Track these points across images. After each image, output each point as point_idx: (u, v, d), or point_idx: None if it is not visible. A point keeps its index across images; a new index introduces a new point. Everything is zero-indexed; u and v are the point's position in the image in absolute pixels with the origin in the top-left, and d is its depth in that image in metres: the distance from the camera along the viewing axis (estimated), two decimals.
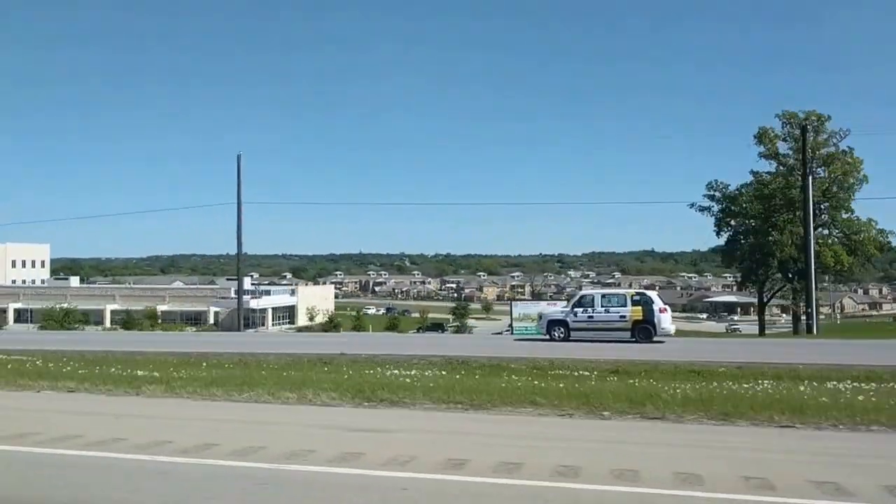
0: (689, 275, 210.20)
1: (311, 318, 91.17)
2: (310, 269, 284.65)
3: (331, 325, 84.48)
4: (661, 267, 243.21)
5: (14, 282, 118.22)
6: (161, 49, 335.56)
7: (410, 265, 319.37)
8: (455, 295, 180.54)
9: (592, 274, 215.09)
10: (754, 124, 67.74)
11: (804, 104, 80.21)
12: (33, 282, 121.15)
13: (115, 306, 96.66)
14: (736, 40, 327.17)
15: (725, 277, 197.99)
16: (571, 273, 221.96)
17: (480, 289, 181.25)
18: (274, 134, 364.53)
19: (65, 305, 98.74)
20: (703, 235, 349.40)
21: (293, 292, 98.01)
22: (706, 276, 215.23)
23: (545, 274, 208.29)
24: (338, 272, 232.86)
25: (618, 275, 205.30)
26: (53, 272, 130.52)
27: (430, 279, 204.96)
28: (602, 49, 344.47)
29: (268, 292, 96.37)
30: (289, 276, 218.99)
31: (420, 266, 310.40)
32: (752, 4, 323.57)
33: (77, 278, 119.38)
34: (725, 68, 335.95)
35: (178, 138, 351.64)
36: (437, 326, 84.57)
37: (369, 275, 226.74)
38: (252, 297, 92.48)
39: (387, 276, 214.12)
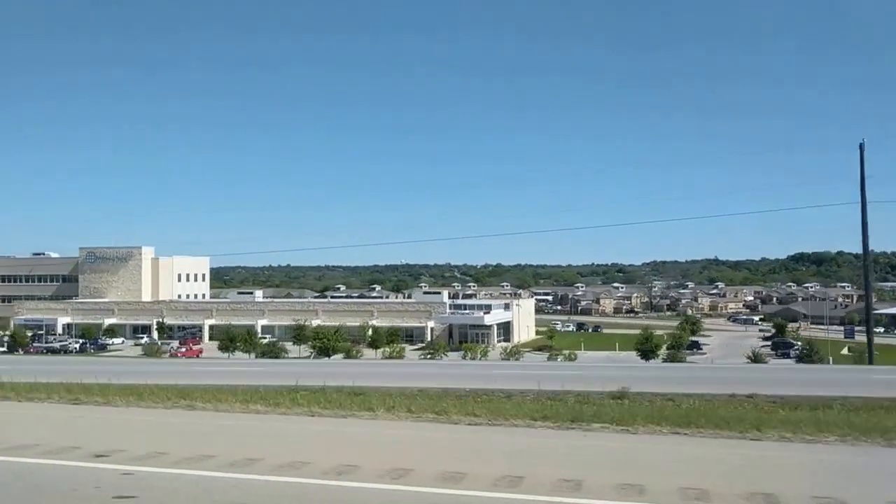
0: (788, 284, 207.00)
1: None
2: (355, 280, 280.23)
3: (549, 347, 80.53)
4: (737, 275, 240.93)
5: (179, 296, 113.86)
6: None
7: (461, 276, 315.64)
8: (567, 308, 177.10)
9: (691, 284, 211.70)
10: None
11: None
12: (194, 296, 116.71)
13: (319, 321, 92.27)
14: (809, 63, 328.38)
15: (813, 286, 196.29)
16: (657, 283, 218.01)
17: (597, 300, 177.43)
18: None
19: (265, 322, 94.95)
20: (767, 243, 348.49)
21: (507, 306, 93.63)
22: (789, 284, 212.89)
23: (650, 285, 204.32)
24: (422, 283, 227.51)
25: (721, 285, 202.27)
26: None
27: (520, 290, 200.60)
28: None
29: (488, 307, 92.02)
30: (378, 287, 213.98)
31: (472, 276, 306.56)
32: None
33: (260, 292, 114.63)
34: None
35: None
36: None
37: (454, 286, 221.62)
38: (484, 313, 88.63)
39: (475, 287, 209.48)
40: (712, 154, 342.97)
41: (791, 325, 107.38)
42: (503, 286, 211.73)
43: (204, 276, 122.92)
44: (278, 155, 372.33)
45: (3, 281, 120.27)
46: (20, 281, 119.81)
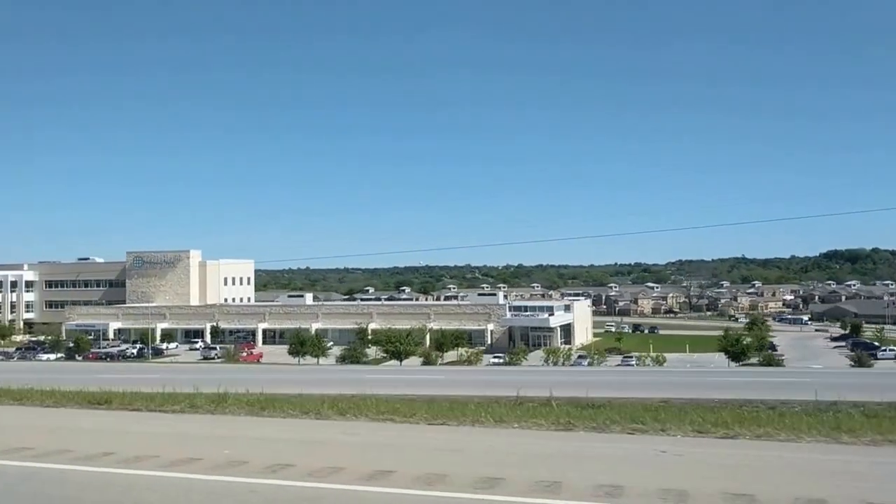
0: (825, 282, 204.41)
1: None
2: (376, 282, 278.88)
3: (618, 349, 78.96)
4: (770, 274, 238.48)
5: (226, 300, 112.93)
6: None
7: (482, 277, 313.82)
8: (605, 309, 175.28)
9: (726, 283, 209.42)
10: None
11: None
12: (241, 300, 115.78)
13: (375, 325, 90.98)
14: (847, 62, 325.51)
15: (853, 284, 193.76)
16: (691, 282, 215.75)
17: (635, 301, 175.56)
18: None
19: (319, 325, 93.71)
20: (796, 241, 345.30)
21: (567, 308, 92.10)
22: (828, 283, 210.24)
23: (688, 285, 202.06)
24: (450, 285, 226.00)
25: (758, 283, 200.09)
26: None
27: (549, 291, 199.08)
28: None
29: (550, 308, 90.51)
30: (407, 290, 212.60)
31: (494, 277, 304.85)
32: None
33: (310, 296, 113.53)
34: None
35: None
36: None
37: (483, 287, 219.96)
38: (549, 315, 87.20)
39: (506, 287, 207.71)
40: (742, 154, 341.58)
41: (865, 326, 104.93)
42: (534, 287, 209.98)
43: (249, 279, 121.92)
44: (293, 157, 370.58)
45: (49, 286, 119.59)
46: (65, 286, 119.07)
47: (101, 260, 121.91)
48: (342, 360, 65.25)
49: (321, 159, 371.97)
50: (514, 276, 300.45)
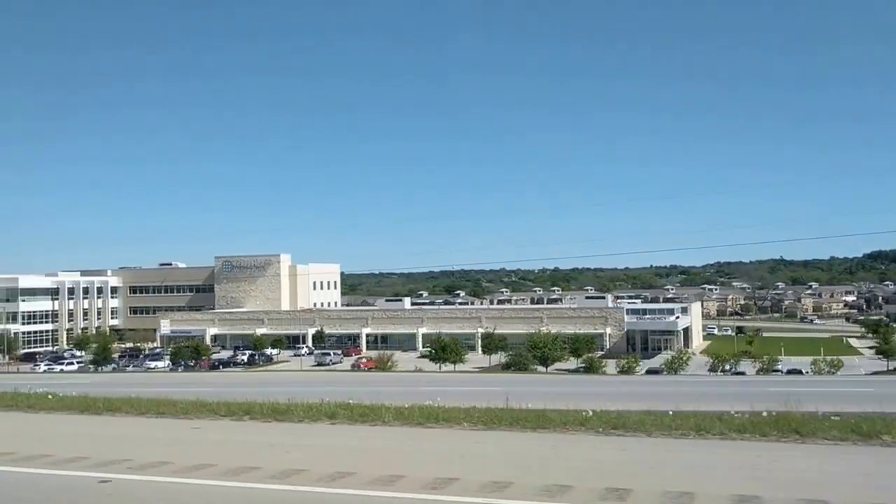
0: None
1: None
2: (405, 287, 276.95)
3: (749, 353, 76.17)
4: (821, 275, 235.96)
5: (315, 304, 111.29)
6: None
7: (520, 281, 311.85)
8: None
9: (781, 285, 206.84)
10: None
11: None
12: (328, 304, 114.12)
13: (482, 329, 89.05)
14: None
15: None
16: (739, 284, 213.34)
17: (702, 303, 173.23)
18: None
19: (424, 330, 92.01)
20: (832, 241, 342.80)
21: (685, 310, 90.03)
22: (887, 284, 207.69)
23: (754, 287, 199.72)
24: (503, 290, 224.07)
25: (815, 285, 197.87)
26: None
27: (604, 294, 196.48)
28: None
29: (671, 310, 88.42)
30: (462, 293, 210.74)
31: (532, 281, 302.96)
32: None
33: (408, 300, 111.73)
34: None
35: None
36: None
37: (536, 290, 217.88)
38: (676, 317, 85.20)
39: (560, 291, 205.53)
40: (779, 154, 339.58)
41: None
42: (587, 290, 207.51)
43: (335, 283, 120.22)
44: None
45: (133, 292, 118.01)
46: (149, 292, 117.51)
47: (183, 265, 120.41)
48: (506, 367, 62.43)
49: (349, 162, 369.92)
50: (553, 280, 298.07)
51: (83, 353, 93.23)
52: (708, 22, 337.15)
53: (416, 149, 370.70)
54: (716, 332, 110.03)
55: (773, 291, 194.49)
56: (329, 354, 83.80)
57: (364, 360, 77.74)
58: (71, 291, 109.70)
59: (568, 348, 69.48)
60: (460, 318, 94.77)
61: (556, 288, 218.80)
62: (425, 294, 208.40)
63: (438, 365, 69.87)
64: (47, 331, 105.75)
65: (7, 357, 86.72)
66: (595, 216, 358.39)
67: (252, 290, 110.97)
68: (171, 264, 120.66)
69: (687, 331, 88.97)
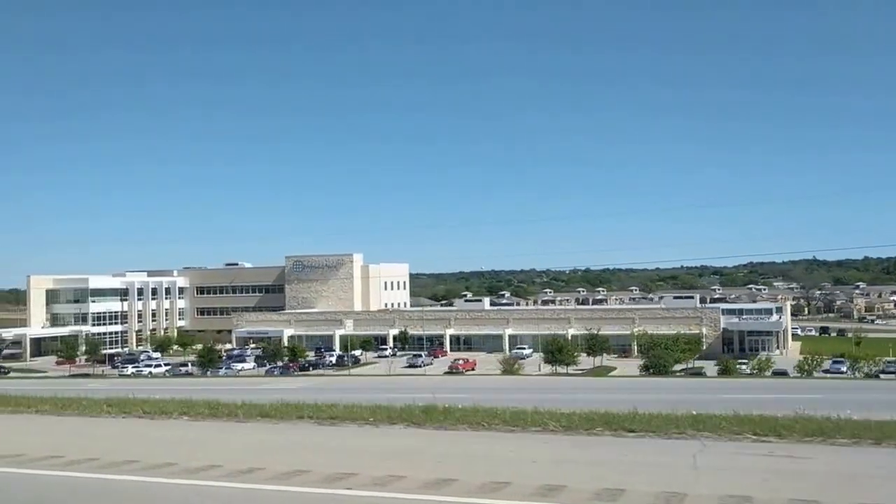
0: None
1: None
2: (438, 288, 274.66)
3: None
4: (863, 276, 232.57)
5: (387, 305, 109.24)
6: None
7: (552, 281, 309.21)
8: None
9: (827, 284, 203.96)
10: None
11: None
12: (398, 305, 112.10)
13: (573, 331, 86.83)
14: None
15: None
16: (778, 285, 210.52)
17: (754, 301, 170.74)
18: None
19: (510, 331, 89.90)
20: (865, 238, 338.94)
21: (780, 310, 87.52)
22: None
23: (805, 286, 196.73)
24: (547, 291, 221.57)
25: (862, 285, 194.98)
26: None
27: (650, 295, 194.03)
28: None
29: (769, 310, 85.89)
30: (507, 294, 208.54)
31: (563, 281, 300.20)
32: None
33: (488, 300, 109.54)
34: None
35: None
36: None
37: (579, 291, 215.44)
38: (779, 317, 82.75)
39: (605, 292, 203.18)
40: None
41: None
42: (632, 290, 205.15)
43: (404, 283, 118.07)
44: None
45: (200, 293, 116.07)
46: (215, 292, 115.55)
47: (249, 265, 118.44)
48: (646, 369, 59.72)
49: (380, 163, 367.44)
50: (583, 281, 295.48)
51: (160, 354, 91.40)
52: (738, 28, 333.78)
53: (420, 151, 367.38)
54: (799, 332, 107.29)
55: (820, 291, 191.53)
56: (421, 356, 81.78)
57: (461, 361, 75.61)
58: (140, 292, 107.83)
59: (689, 349, 67.23)
60: (549, 319, 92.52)
61: (600, 289, 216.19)
62: (469, 295, 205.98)
63: (555, 367, 67.73)
64: (116, 332, 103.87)
65: (89, 359, 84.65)
66: (629, 219, 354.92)
67: (324, 291, 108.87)
68: (236, 264, 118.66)
69: (784, 331, 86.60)
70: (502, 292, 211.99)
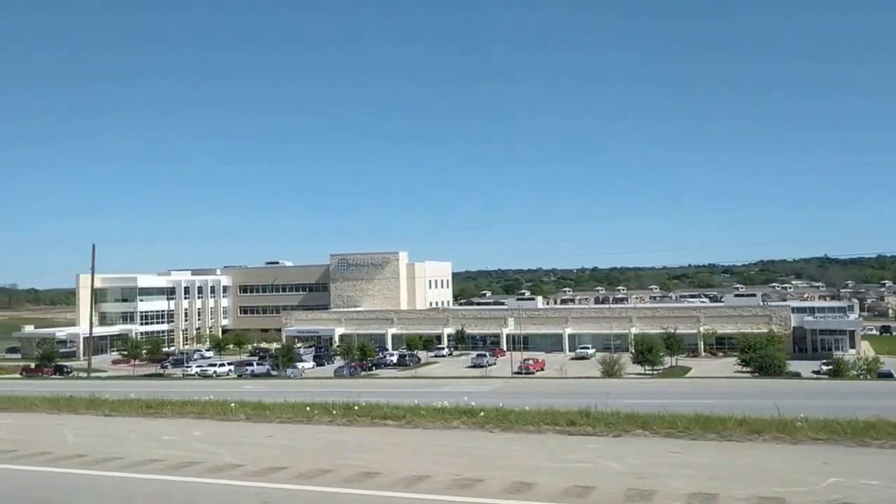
0: None
1: None
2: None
3: None
4: (879, 273, 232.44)
5: (431, 303, 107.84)
6: None
7: (560, 279, 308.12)
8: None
9: (851, 283, 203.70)
10: None
11: None
12: (441, 303, 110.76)
13: (636, 329, 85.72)
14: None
15: None
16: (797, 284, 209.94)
17: (783, 300, 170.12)
18: None
19: (570, 330, 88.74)
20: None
21: (851, 308, 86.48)
22: None
23: (836, 284, 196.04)
24: (566, 290, 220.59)
25: (888, 283, 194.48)
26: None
27: (670, 293, 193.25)
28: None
29: (843, 309, 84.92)
30: (527, 293, 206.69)
31: (573, 280, 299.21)
32: None
33: (540, 298, 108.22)
34: None
35: None
36: None
37: (598, 290, 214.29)
38: (853, 315, 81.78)
39: (625, 291, 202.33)
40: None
41: None
42: (652, 289, 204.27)
43: (447, 281, 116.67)
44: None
45: (243, 291, 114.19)
46: (258, 291, 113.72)
47: (289, 263, 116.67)
48: (759, 371, 57.39)
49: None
50: (592, 280, 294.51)
51: (212, 353, 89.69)
52: (743, 32, 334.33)
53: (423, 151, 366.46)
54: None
55: (845, 290, 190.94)
56: (485, 356, 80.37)
57: (531, 362, 74.15)
58: (186, 291, 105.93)
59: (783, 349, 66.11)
60: (609, 318, 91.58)
61: (620, 287, 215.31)
62: (488, 294, 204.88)
63: (644, 368, 66.48)
64: (163, 331, 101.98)
65: (153, 358, 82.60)
66: (630, 220, 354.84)
67: (369, 289, 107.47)
68: (277, 262, 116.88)
69: (855, 331, 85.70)
70: (522, 291, 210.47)
